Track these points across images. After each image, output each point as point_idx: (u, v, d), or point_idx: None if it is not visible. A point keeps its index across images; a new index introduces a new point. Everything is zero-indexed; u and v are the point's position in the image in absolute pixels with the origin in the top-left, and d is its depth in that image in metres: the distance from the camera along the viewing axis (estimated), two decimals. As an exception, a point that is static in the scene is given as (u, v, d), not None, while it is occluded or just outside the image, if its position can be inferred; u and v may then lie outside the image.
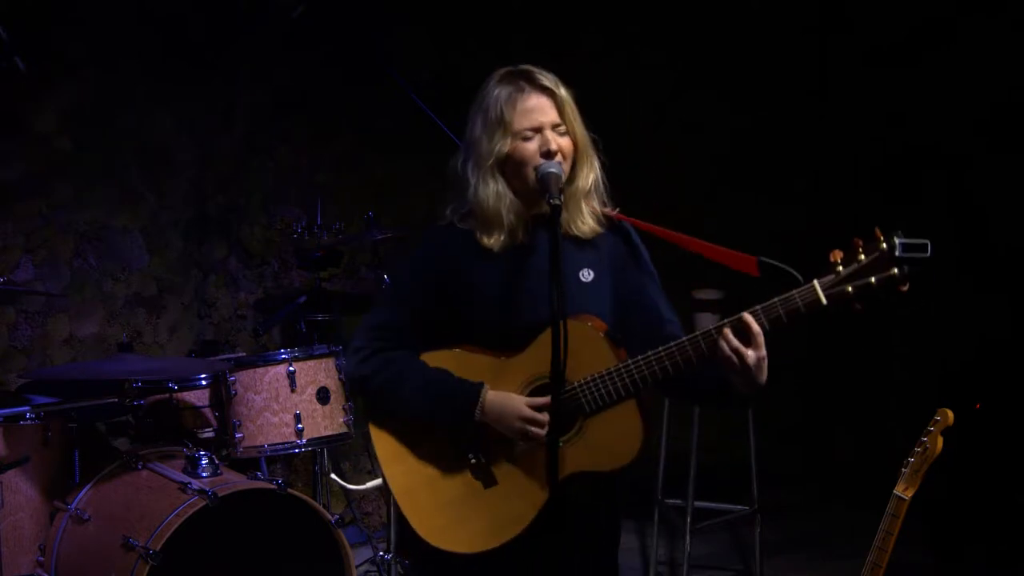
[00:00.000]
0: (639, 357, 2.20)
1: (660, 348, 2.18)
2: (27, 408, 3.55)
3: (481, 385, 2.29)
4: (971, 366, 4.64)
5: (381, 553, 4.17)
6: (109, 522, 3.37)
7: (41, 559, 3.50)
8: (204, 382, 3.92)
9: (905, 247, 1.91)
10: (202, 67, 4.81)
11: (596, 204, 2.38)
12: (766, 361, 2.14)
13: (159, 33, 4.70)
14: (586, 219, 2.35)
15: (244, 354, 4.39)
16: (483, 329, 2.33)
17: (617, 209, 2.41)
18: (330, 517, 3.41)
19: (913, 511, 2.60)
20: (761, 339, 2.11)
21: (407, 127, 4.87)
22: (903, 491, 2.60)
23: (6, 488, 3.42)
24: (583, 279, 2.32)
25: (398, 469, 2.39)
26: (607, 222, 2.39)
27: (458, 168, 2.37)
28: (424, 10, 5.20)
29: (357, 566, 3.57)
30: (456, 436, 2.35)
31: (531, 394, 2.29)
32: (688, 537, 4.32)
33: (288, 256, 5.03)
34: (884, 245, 1.93)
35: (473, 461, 2.34)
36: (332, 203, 4.95)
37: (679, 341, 2.18)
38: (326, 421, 3.87)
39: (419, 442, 2.38)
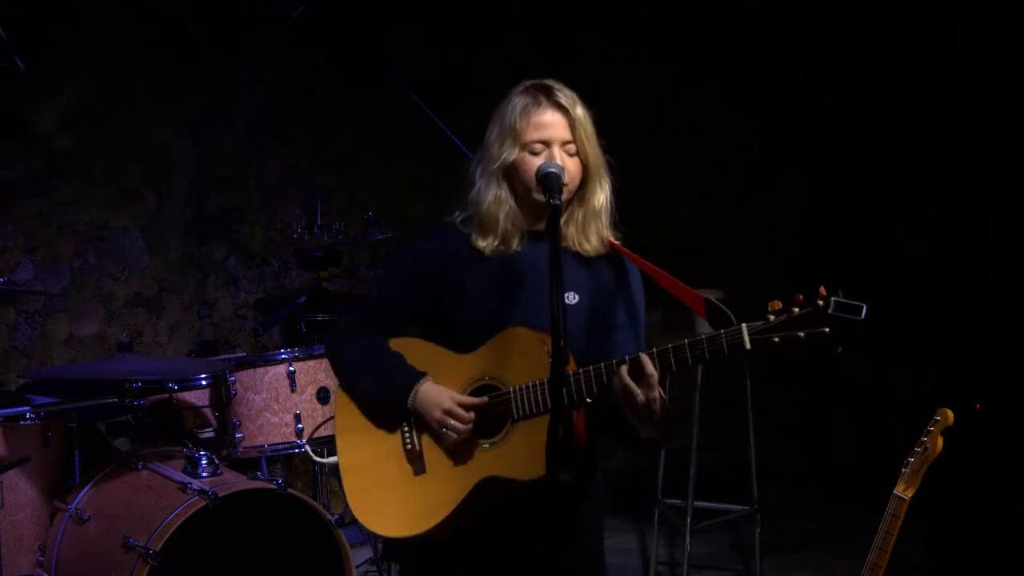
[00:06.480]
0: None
1: (578, 371, 2.15)
2: (27, 408, 3.55)
3: (423, 375, 2.35)
4: (971, 366, 4.63)
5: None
6: (109, 522, 3.37)
7: (41, 559, 3.50)
8: (204, 382, 3.93)
9: (839, 306, 1.94)
10: (202, 67, 4.80)
11: (602, 227, 2.37)
12: (658, 404, 2.09)
13: (159, 33, 4.70)
14: (591, 240, 2.36)
15: (244, 354, 4.40)
16: (465, 328, 2.35)
17: (620, 239, 2.40)
18: (330, 517, 3.42)
19: (913, 511, 2.60)
20: (653, 380, 2.06)
21: (407, 127, 4.88)
22: (903, 491, 2.60)
23: (6, 488, 3.42)
24: (567, 301, 2.31)
25: (346, 444, 2.48)
26: (607, 249, 2.39)
27: (471, 170, 2.40)
28: (424, 10, 5.20)
29: (357, 566, 3.57)
30: (399, 421, 2.39)
31: (471, 393, 2.31)
32: (688, 537, 4.32)
33: (288, 256, 5.03)
34: (820, 302, 1.95)
35: (408, 447, 2.38)
36: (332, 203, 4.95)
37: (586, 369, 2.15)
38: (326, 421, 3.87)
39: (370, 422, 2.45)
